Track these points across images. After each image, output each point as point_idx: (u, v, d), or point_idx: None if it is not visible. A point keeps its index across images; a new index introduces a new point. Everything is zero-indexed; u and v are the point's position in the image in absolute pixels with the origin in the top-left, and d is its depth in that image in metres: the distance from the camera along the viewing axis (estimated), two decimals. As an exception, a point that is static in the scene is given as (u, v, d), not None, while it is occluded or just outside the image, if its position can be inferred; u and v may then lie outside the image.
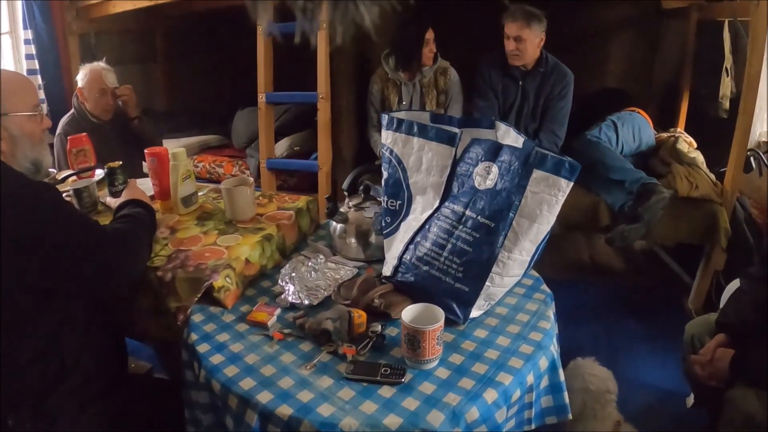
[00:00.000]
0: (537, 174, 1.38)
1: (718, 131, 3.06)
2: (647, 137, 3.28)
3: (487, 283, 1.41)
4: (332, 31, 0.69)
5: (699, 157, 3.13)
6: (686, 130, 3.56)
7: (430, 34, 3.11)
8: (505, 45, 2.99)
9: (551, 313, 1.50)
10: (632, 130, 3.22)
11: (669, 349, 2.59)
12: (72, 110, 3.00)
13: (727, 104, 3.13)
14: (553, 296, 1.60)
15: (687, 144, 3.22)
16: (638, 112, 3.34)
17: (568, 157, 1.40)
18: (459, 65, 3.32)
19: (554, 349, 1.38)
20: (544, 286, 1.63)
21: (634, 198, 2.82)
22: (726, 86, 3.11)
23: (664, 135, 3.36)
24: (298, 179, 3.76)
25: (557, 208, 1.38)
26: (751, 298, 1.79)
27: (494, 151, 1.47)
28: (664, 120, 3.74)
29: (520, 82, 3.06)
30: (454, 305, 1.41)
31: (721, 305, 1.99)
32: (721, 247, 2.85)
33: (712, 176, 2.99)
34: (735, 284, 2.01)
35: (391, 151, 1.62)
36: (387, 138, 1.63)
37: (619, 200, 2.91)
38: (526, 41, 2.89)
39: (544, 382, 1.33)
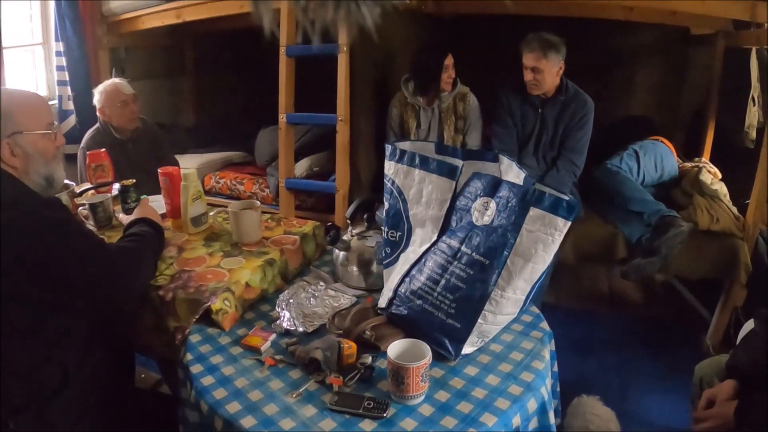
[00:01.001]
0: (534, 212, 1.37)
1: (744, 161, 3.01)
2: (670, 167, 3.23)
3: (479, 321, 1.40)
4: (334, 31, 0.70)
5: (722, 189, 3.07)
6: (711, 160, 3.51)
7: (449, 60, 3.11)
8: (524, 74, 2.98)
9: (547, 352, 1.48)
10: (654, 159, 3.18)
11: (682, 388, 2.51)
12: (97, 125, 3.06)
13: (753, 134, 3.07)
14: (552, 335, 1.58)
15: (711, 175, 3.17)
16: (662, 141, 3.30)
17: (569, 195, 1.39)
18: (480, 89, 3.31)
19: (545, 390, 1.36)
20: (544, 324, 1.61)
21: (652, 231, 2.78)
22: (753, 115, 3.07)
23: (688, 165, 3.31)
24: (316, 200, 3.78)
25: (554, 248, 1.37)
26: (764, 340, 1.74)
27: (494, 186, 1.47)
28: (689, 149, 3.69)
29: (540, 110, 3.04)
30: (446, 341, 1.41)
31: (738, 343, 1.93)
32: (741, 282, 2.79)
33: (734, 209, 2.94)
34: (750, 325, 1.96)
35: (393, 182, 1.63)
36: (389, 169, 1.64)
37: (636, 232, 2.87)
38: (544, 72, 2.87)
39: (533, 425, 1.31)
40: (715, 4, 2.84)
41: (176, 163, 3.18)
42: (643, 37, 3.88)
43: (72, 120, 3.96)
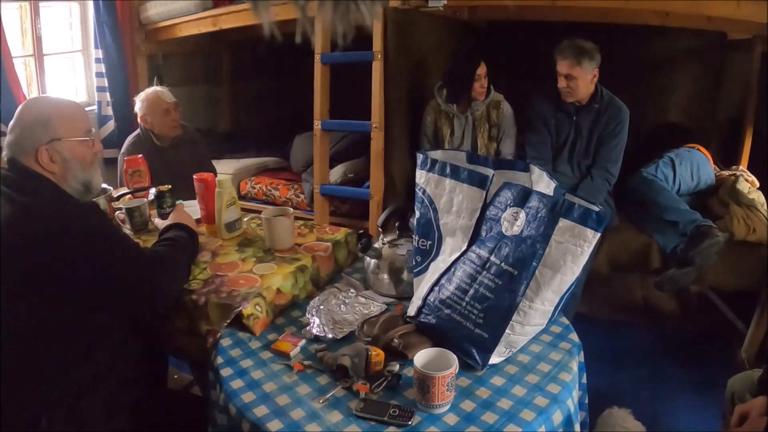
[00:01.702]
0: (563, 223, 1.37)
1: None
2: (706, 176, 3.17)
3: (507, 331, 1.40)
4: (333, 30, 0.71)
5: (759, 198, 3.00)
6: (749, 168, 3.43)
7: (481, 70, 3.11)
8: (558, 81, 2.96)
9: (575, 364, 1.47)
10: (690, 168, 3.13)
11: (715, 402, 2.47)
12: (138, 131, 3.12)
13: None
14: (581, 346, 1.57)
15: (748, 183, 3.10)
16: (698, 149, 3.24)
17: (602, 205, 1.38)
18: (514, 96, 3.30)
19: (572, 403, 1.35)
20: (573, 335, 1.60)
21: (687, 241, 2.74)
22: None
23: (725, 173, 3.24)
24: (350, 206, 3.80)
25: (583, 259, 1.37)
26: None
27: (524, 196, 1.47)
28: (726, 157, 3.62)
29: (574, 117, 3.02)
30: (474, 350, 1.41)
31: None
32: (777, 295, 2.73)
33: (772, 219, 2.87)
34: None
35: (424, 191, 1.64)
36: (421, 178, 1.65)
37: (671, 242, 2.83)
38: (577, 79, 2.85)
39: (558, 437, 1.31)
40: (751, 4, 2.77)
41: (214, 170, 3.23)
42: (678, 43, 3.83)
43: (111, 125, 4.08)
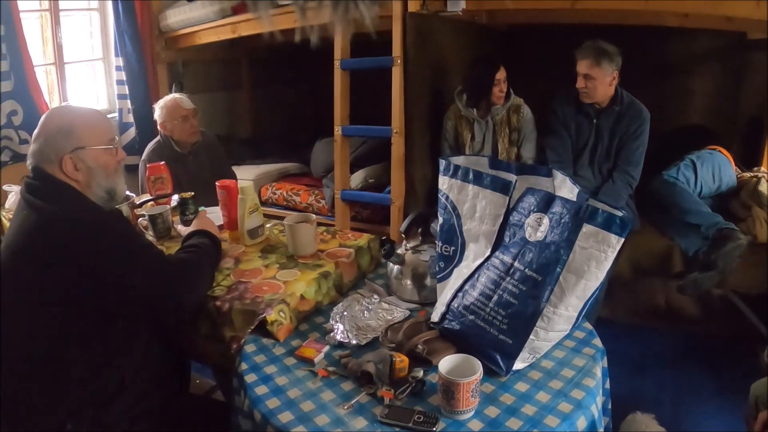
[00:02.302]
0: (587, 228, 1.36)
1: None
2: (728, 178, 3.15)
3: (531, 337, 1.40)
4: (332, 30, 0.72)
5: (782, 200, 2.97)
6: (771, 170, 3.39)
7: (501, 74, 3.11)
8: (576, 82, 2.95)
9: (599, 370, 1.46)
10: (712, 170, 3.10)
11: (738, 406, 2.44)
12: (158, 138, 3.16)
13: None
14: (605, 352, 1.56)
15: (771, 185, 3.07)
16: (719, 151, 3.21)
17: (624, 209, 1.38)
18: (534, 99, 3.30)
19: (596, 408, 1.35)
20: (597, 341, 1.59)
21: (710, 244, 2.72)
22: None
23: (747, 175, 3.21)
24: (371, 211, 3.80)
25: (607, 265, 1.36)
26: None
27: (547, 202, 1.47)
28: (748, 159, 3.58)
29: (595, 121, 3.01)
30: (498, 356, 1.41)
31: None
32: (802, 298, 2.70)
33: (795, 222, 2.83)
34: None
35: (447, 197, 1.64)
36: (443, 184, 1.65)
37: (693, 245, 2.81)
38: (596, 80, 2.84)
39: (583, 443, 1.31)
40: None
41: (234, 176, 3.26)
42: (698, 44, 3.80)
43: (132, 132, 4.12)
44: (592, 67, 2.83)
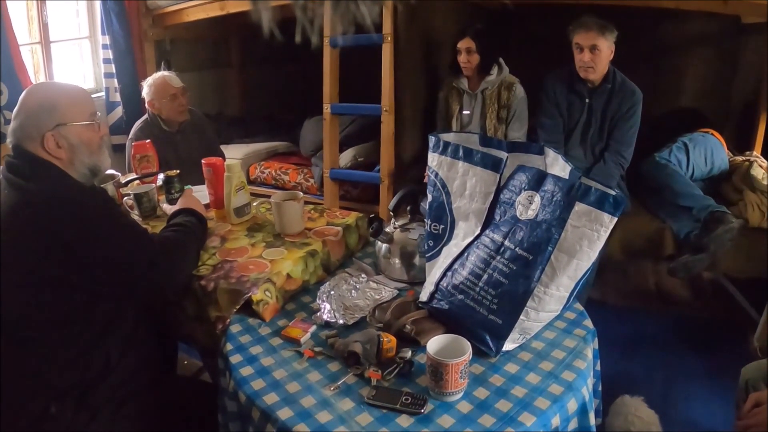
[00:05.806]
0: (579, 207, 1.33)
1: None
2: (720, 161, 3.13)
3: (521, 317, 1.38)
4: (332, 29, 0.69)
5: (774, 185, 2.96)
6: (764, 154, 3.37)
7: (463, 43, 3.10)
8: (576, 58, 2.88)
9: (590, 351, 1.45)
10: (704, 153, 3.08)
11: (728, 390, 2.44)
12: (146, 116, 3.10)
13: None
14: (595, 333, 1.54)
15: (762, 170, 3.05)
16: (712, 134, 3.19)
17: (615, 190, 1.35)
18: (527, 78, 3.26)
19: (587, 391, 1.33)
20: (588, 322, 1.57)
21: (701, 227, 2.70)
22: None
23: (739, 159, 3.19)
24: (360, 190, 3.79)
25: (599, 244, 1.33)
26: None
27: (538, 179, 1.44)
28: (740, 142, 3.58)
29: (587, 100, 2.97)
30: (487, 337, 1.39)
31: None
32: (792, 283, 2.69)
33: (787, 206, 2.82)
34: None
35: (437, 174, 1.61)
36: (433, 161, 1.62)
37: (685, 228, 2.79)
38: (601, 52, 2.78)
39: (573, 425, 1.28)
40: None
41: (222, 154, 3.21)
42: (692, 27, 3.76)
43: (119, 111, 4.06)
44: (597, 37, 2.76)
